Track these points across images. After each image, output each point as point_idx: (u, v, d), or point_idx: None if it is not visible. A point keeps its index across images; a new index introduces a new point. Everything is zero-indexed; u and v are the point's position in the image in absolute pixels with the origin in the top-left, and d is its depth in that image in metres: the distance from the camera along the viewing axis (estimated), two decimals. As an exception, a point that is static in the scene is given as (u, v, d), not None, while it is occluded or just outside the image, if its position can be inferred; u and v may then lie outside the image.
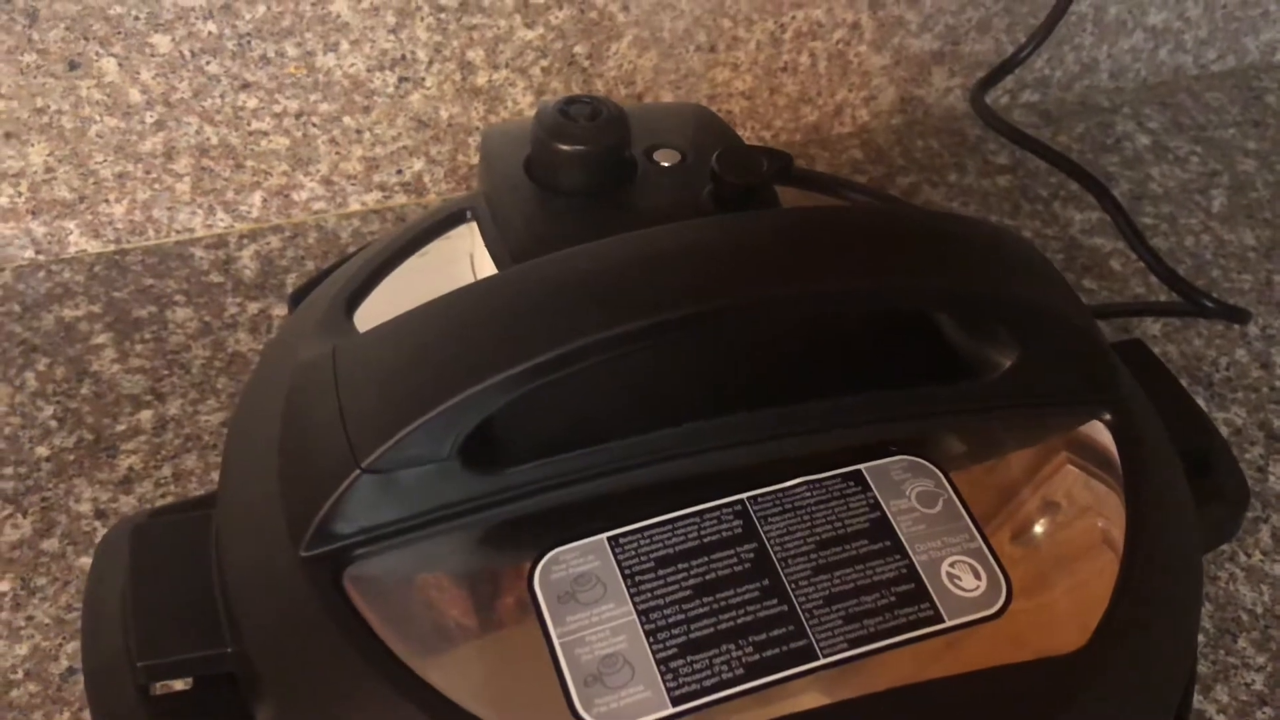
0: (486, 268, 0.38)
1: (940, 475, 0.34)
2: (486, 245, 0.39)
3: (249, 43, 0.58)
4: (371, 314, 0.37)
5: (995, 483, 0.36)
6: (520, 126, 0.40)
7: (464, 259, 0.40)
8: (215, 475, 0.51)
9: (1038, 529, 0.35)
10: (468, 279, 0.35)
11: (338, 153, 0.63)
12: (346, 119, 0.62)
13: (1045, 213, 0.68)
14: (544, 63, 0.64)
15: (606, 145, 0.38)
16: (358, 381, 0.32)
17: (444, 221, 0.40)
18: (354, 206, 0.65)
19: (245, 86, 0.59)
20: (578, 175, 0.39)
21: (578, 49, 0.64)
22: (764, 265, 0.32)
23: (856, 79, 0.71)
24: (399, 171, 0.65)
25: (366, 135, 0.63)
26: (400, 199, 0.66)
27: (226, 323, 0.58)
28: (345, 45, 0.60)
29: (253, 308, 0.59)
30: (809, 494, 0.34)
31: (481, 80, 0.63)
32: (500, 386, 0.30)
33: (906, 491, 0.34)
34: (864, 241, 0.34)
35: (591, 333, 0.31)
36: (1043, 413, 0.36)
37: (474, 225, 0.40)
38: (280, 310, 0.59)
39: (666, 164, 0.40)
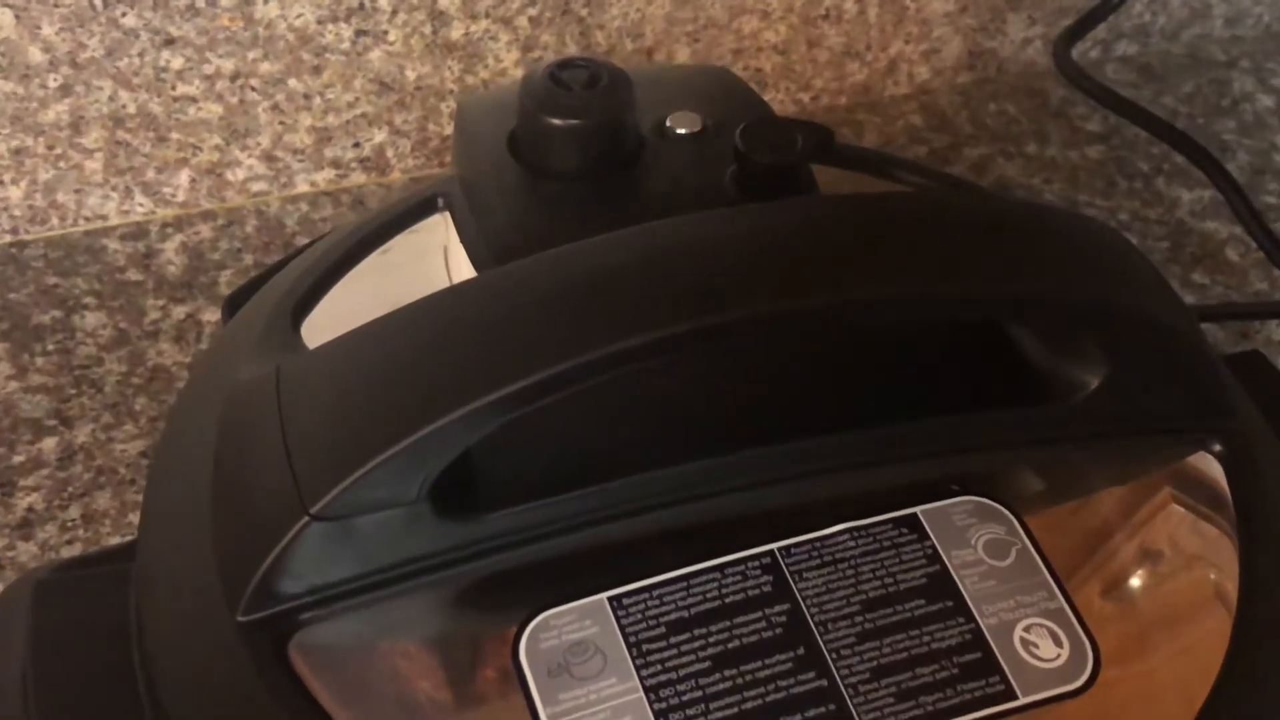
0: (462, 269, 0.39)
1: (1013, 519, 0.35)
2: (462, 240, 0.39)
3: (173, -10, 0.59)
4: (323, 325, 0.37)
5: (1080, 528, 0.36)
6: (503, 95, 0.41)
7: (435, 257, 0.40)
8: (134, 518, 0.52)
9: (1133, 584, 0.35)
10: (440, 283, 0.35)
11: (282, 122, 0.64)
12: (292, 81, 0.63)
13: (1146, 191, 0.68)
14: (532, 11, 0.64)
15: (607, 118, 0.39)
16: (306, 409, 0.32)
17: (411, 211, 0.41)
18: (301, 188, 0.66)
19: (169, 43, 0.60)
20: (573, 155, 0.39)
21: (573, -6, 0.65)
22: (798, 268, 0.33)
23: (914, 28, 0.72)
24: (356, 145, 0.65)
25: (317, 101, 0.63)
26: (358, 178, 0.66)
27: (146, 330, 0.59)
28: (290, -8, 0.60)
29: (178, 312, 0.60)
30: (853, 543, 0.34)
31: (457, 33, 0.64)
32: (479, 415, 0.31)
33: (972, 540, 0.34)
34: (917, 238, 0.34)
35: (590, 350, 0.31)
36: (1138, 442, 0.36)
37: (447, 216, 0.41)
38: (212, 316, 0.60)
39: (682, 132, 0.41)
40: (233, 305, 0.42)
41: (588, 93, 0.39)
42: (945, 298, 0.34)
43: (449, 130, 0.66)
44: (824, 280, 0.33)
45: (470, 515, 0.33)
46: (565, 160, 0.39)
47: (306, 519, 0.31)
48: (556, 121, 0.39)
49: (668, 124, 0.40)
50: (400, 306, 0.33)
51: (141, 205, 0.64)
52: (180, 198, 0.64)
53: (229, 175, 0.64)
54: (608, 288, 0.32)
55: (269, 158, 0.64)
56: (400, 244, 0.41)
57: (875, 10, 0.70)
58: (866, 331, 0.36)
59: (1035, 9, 0.73)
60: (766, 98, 0.69)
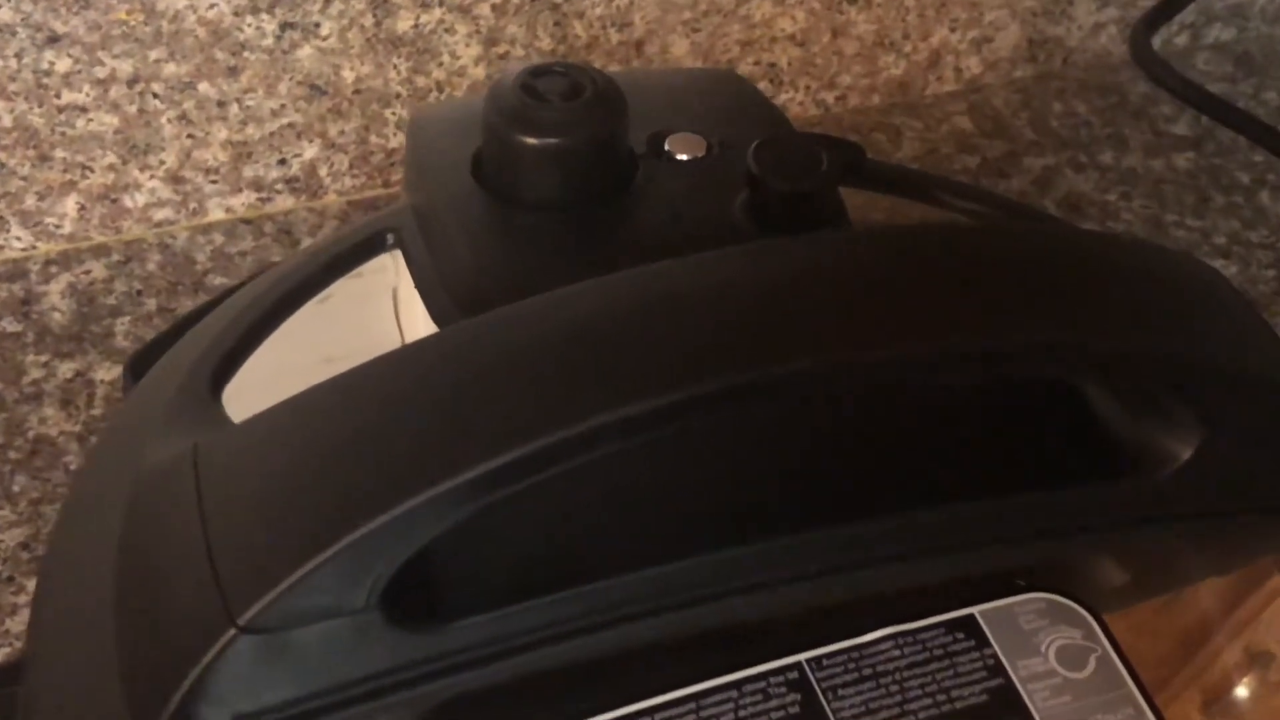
0: (417, 320, 0.39)
1: (1090, 620, 0.35)
2: (416, 285, 0.40)
3: (58, -23, 0.60)
4: (248, 394, 0.38)
5: (1173, 629, 0.36)
6: (465, 108, 0.41)
7: (384, 307, 0.40)
8: (13, 625, 0.52)
9: (1239, 694, 0.36)
10: (391, 341, 0.36)
11: (190, 136, 0.64)
12: (203, 86, 0.63)
13: (1246, 207, 0.69)
14: (496, -2, 0.65)
15: (592, 137, 0.39)
16: (231, 498, 0.33)
17: (354, 250, 0.41)
18: (215, 214, 0.66)
19: (53, 40, 0.61)
20: (550, 181, 0.40)
21: (546, -24, 0.65)
22: (827, 318, 0.33)
23: (962, 13, 0.72)
24: (282, 161, 0.66)
25: (234, 109, 0.64)
26: (284, 201, 0.67)
27: (26, 393, 0.59)
28: (201, -22, 0.61)
29: (65, 370, 0.60)
30: (898, 652, 0.34)
31: (404, 25, 0.64)
32: (442, 504, 0.31)
33: (1042, 646, 0.35)
34: (971, 282, 0.34)
35: (574, 422, 0.31)
36: (1241, 523, 0.37)
37: (398, 255, 0.41)
38: (106, 375, 0.60)
39: (683, 158, 0.41)
40: (136, 368, 0.42)
41: (568, 105, 0.39)
42: (1006, 354, 0.34)
43: (395, 142, 0.67)
44: (865, 334, 0.33)
45: (429, 625, 0.33)
46: (541, 187, 0.40)
47: (234, 631, 0.31)
48: (530, 140, 0.39)
49: (666, 147, 0.41)
50: (344, 371, 0.34)
51: (19, 239, 0.64)
52: (66, 229, 0.65)
53: (126, 201, 0.65)
54: (597, 346, 0.33)
55: (175, 179, 0.65)
56: (341, 291, 0.41)
57: (914, -9, 0.71)
58: (916, 395, 0.36)
59: (1108, -13, 0.74)
60: (783, 98, 0.71)
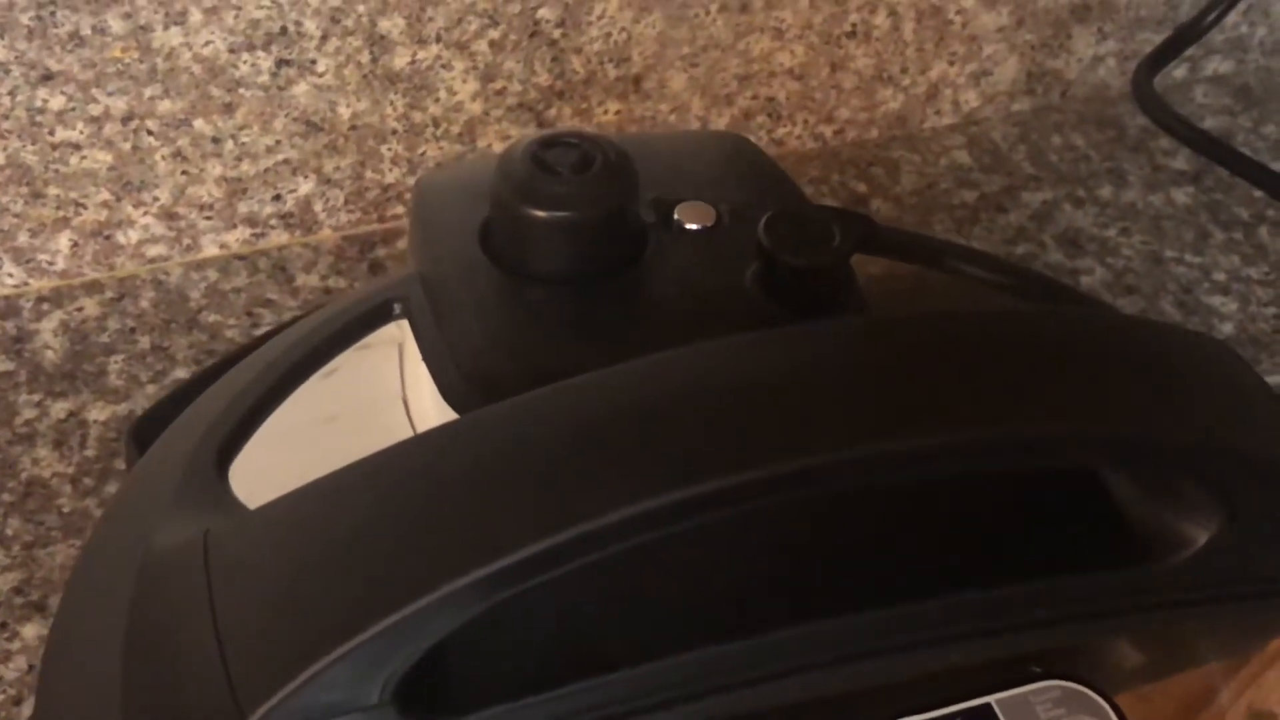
0: (423, 392, 0.39)
1: (1106, 707, 0.35)
2: (424, 357, 0.40)
3: (52, 14, 0.59)
4: (255, 471, 0.38)
5: (1176, 689, 0.37)
6: (473, 173, 0.42)
7: (392, 382, 0.40)
8: (7, 674, 0.52)
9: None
10: (400, 420, 0.36)
11: (185, 172, 0.64)
12: (198, 123, 0.63)
13: (1247, 244, 0.69)
14: (494, 33, 0.65)
15: (602, 210, 0.39)
16: (243, 589, 0.33)
17: (361, 319, 0.41)
18: (209, 250, 0.66)
19: (47, 79, 0.60)
20: (560, 253, 0.40)
21: (543, 11, 0.65)
22: (849, 408, 0.33)
23: (960, 47, 0.72)
24: (277, 198, 0.66)
25: (228, 145, 0.64)
26: (279, 238, 0.67)
27: (19, 433, 0.59)
28: (197, 15, 0.61)
29: (58, 410, 0.60)
30: (914, 742, 0.34)
31: (400, 61, 0.64)
32: (455, 600, 0.31)
33: (1058, 734, 0.35)
34: (984, 369, 0.35)
35: (591, 517, 0.32)
36: (1260, 609, 0.37)
37: (405, 325, 0.41)
38: (99, 415, 0.60)
39: (692, 227, 0.41)
40: (140, 437, 0.42)
41: (579, 178, 0.39)
42: (1027, 445, 0.34)
43: (390, 178, 0.67)
44: (881, 422, 0.33)
45: (446, 719, 0.33)
46: (551, 260, 0.40)
47: (245, 729, 0.31)
48: (540, 214, 0.39)
49: (675, 216, 0.41)
50: (356, 460, 0.34)
51: (11, 276, 0.64)
52: (59, 266, 0.64)
53: (120, 238, 0.64)
54: (621, 438, 0.33)
55: (169, 215, 0.65)
56: (348, 363, 0.41)
57: (912, 25, 0.71)
58: (929, 484, 0.36)
59: (1106, 20, 0.74)
60: (781, 132, 0.71)
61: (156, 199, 0.64)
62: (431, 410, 0.40)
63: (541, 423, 0.34)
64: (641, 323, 0.39)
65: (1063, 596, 0.36)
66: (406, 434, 0.36)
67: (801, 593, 0.36)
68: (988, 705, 0.35)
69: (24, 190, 0.62)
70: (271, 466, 0.37)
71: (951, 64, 0.73)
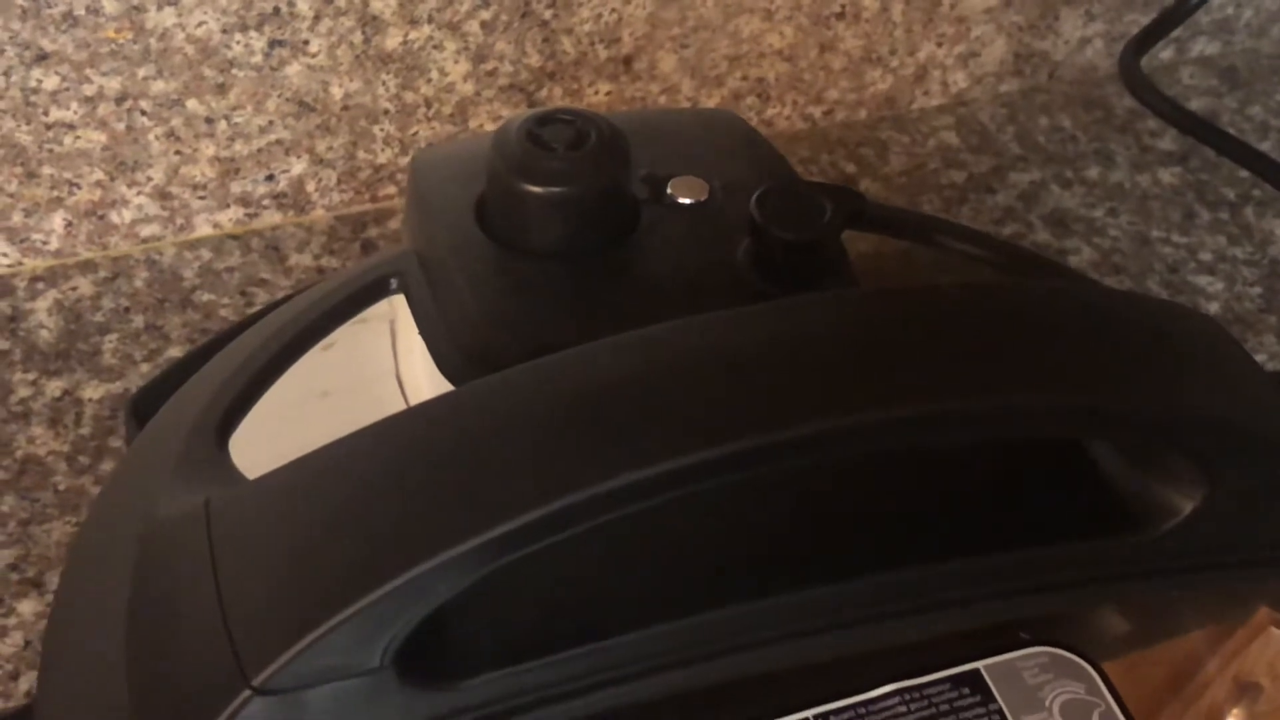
0: (421, 370, 0.40)
1: (1093, 674, 0.36)
2: (420, 331, 0.40)
3: (47, -5, 0.60)
4: (254, 443, 0.38)
5: (1162, 661, 0.37)
6: (468, 151, 0.42)
7: (388, 354, 0.41)
8: (4, 649, 0.52)
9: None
10: (393, 393, 0.36)
11: (178, 152, 0.64)
12: (191, 103, 0.63)
13: (1232, 224, 0.70)
14: (485, 14, 0.65)
15: (597, 185, 0.40)
16: (245, 556, 0.33)
17: (357, 295, 0.42)
18: (203, 230, 0.66)
19: (41, 59, 0.61)
20: (554, 228, 0.40)
21: (535, -7, 0.66)
22: (839, 378, 0.34)
23: (948, 27, 0.73)
24: (270, 177, 0.66)
25: (221, 125, 0.64)
26: (272, 217, 0.67)
27: (14, 411, 0.59)
28: (190, -4, 0.61)
29: (53, 388, 0.60)
30: (903, 707, 0.35)
31: (393, 42, 0.65)
32: (456, 566, 0.32)
33: (1047, 700, 0.35)
34: (971, 340, 0.35)
35: (590, 484, 0.32)
36: (1243, 577, 0.37)
37: (401, 300, 0.42)
38: (94, 393, 0.60)
39: (685, 202, 0.42)
40: (138, 410, 0.42)
41: (573, 154, 0.40)
42: (1014, 415, 0.35)
43: (382, 158, 0.67)
44: (872, 392, 0.34)
45: (445, 683, 0.33)
46: (546, 235, 0.40)
47: (248, 693, 0.31)
48: (535, 189, 0.40)
49: (669, 190, 0.41)
50: (357, 430, 0.34)
51: (5, 255, 0.64)
52: (54, 245, 0.65)
53: (113, 217, 0.65)
54: (620, 406, 0.33)
55: (162, 195, 0.65)
56: (344, 338, 0.41)
57: (900, 7, 0.71)
58: (919, 454, 0.37)
59: (1094, 2, 0.74)
60: (770, 113, 0.71)
61: (150, 179, 0.64)
62: (425, 383, 0.40)
63: (540, 391, 0.34)
64: (635, 296, 0.40)
65: (1050, 565, 0.37)
66: (399, 407, 0.36)
67: (792, 560, 0.36)
68: (976, 671, 0.35)
69: (18, 170, 0.62)
70: (271, 438, 0.37)
71: (940, 45, 0.73)
